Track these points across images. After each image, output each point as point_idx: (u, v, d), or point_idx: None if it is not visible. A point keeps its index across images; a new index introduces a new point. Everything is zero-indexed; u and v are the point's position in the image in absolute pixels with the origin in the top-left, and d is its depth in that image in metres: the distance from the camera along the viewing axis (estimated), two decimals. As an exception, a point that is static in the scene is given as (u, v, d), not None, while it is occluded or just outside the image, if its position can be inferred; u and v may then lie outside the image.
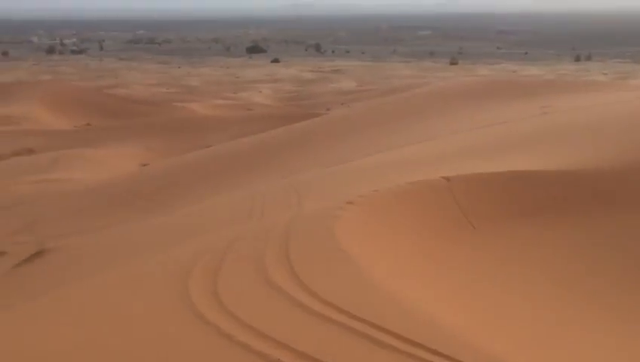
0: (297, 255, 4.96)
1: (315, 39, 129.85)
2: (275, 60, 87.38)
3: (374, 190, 6.36)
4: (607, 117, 10.37)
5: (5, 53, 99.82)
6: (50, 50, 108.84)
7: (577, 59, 78.51)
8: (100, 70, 72.16)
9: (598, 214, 6.30)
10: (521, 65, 74.86)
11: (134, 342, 3.97)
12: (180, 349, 3.84)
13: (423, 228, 5.92)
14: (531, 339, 4.30)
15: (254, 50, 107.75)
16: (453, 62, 78.07)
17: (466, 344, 3.70)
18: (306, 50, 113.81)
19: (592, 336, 4.55)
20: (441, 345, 3.62)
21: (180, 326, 4.06)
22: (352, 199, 6.09)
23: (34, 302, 5.28)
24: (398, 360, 3.54)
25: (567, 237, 5.98)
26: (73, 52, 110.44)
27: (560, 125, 10.31)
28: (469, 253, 5.64)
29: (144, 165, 19.54)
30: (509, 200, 6.51)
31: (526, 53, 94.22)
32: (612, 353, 4.40)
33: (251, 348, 3.72)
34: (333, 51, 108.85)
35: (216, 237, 5.99)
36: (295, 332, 3.82)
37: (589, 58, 79.76)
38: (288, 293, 4.34)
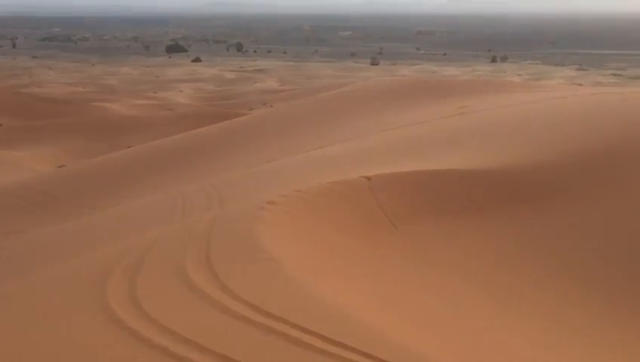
0: (218, 256, 4.92)
1: (237, 38, 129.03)
2: (197, 60, 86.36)
3: (296, 190, 6.36)
4: (523, 116, 10.70)
5: None
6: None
7: (493, 60, 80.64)
8: (12, 68, 69.71)
9: (518, 212, 6.49)
10: (441, 65, 76.36)
11: (47, 350, 3.85)
12: (96, 355, 3.74)
13: (344, 228, 5.95)
14: (455, 338, 4.38)
15: (174, 49, 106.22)
16: (375, 63, 78.95)
17: (390, 343, 3.74)
18: (228, 49, 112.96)
19: (504, 332, 4.68)
20: (365, 346, 3.64)
21: (97, 332, 3.96)
22: (273, 199, 6.07)
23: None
24: (320, 360, 3.55)
25: (487, 236, 6.13)
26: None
27: (478, 124, 10.56)
28: (389, 253, 5.71)
29: (61, 167, 19.00)
30: (430, 199, 6.62)
31: (444, 54, 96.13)
32: (525, 346, 4.54)
33: (170, 352, 3.66)
34: (255, 51, 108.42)
35: (135, 240, 5.88)
36: (216, 335, 3.78)
37: (504, 59, 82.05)
38: (209, 295, 4.29)
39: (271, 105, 33.80)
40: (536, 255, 5.90)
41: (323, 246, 5.56)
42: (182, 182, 11.36)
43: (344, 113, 16.10)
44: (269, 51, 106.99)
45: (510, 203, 6.66)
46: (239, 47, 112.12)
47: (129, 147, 19.85)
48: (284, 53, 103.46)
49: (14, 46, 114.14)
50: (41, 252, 7.92)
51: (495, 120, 10.70)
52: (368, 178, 6.70)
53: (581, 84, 42.21)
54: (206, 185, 8.94)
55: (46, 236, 9.35)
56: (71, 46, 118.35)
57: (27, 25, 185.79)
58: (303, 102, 22.63)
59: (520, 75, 60.21)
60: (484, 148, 8.28)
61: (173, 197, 8.49)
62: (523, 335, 4.67)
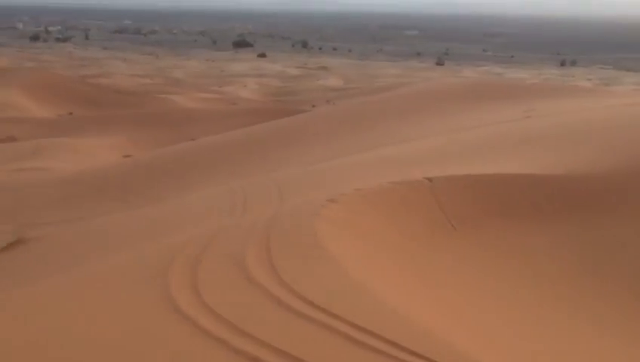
0: (278, 251, 4.95)
1: (302, 35, 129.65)
2: (262, 55, 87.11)
3: (357, 189, 6.36)
4: (590, 122, 10.45)
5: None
6: (35, 38, 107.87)
7: (562, 63, 78.99)
8: (84, 59, 71.58)
9: (579, 218, 6.35)
10: (507, 68, 75.19)
11: (111, 336, 3.94)
12: (158, 344, 3.82)
13: (404, 229, 5.92)
14: (509, 340, 4.32)
15: (241, 44, 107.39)
16: (439, 63, 78.28)
17: (445, 345, 3.71)
18: (293, 46, 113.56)
19: (568, 338, 4.59)
20: (419, 345, 3.63)
21: (158, 321, 4.04)
22: (334, 197, 6.08)
23: (3, 295, 5.23)
24: (375, 360, 3.54)
25: (547, 240, 6.02)
26: (58, 40, 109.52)
27: (543, 129, 10.37)
28: (449, 256, 5.66)
29: (126, 156, 19.42)
30: (491, 202, 6.53)
31: (512, 56, 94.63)
32: (586, 351, 4.44)
33: (229, 345, 3.71)
34: (320, 48, 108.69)
35: (197, 232, 5.97)
36: (274, 330, 3.81)
37: (573, 63, 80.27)
38: (268, 290, 4.33)
39: (333, 103, 33.85)
40: (598, 265, 5.76)
41: (382, 246, 5.54)
42: (243, 176, 11.48)
43: (407, 113, 16.01)
44: (334, 49, 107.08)
45: (573, 209, 6.52)
46: (304, 44, 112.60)
47: (192, 139, 20.16)
48: (349, 51, 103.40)
49: (87, 37, 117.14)
50: (105, 240, 8.11)
51: (562, 125, 10.49)
52: (430, 179, 6.65)
53: (653, 91, 40.95)
54: (267, 180, 9.01)
55: (109, 224, 9.58)
56: (140, 39, 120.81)
57: (100, 17, 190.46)
58: (366, 100, 22.59)
59: (590, 79, 58.80)
60: (549, 153, 8.12)
61: (234, 191, 8.58)
62: (583, 341, 4.58)
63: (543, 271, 5.57)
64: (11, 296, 5.04)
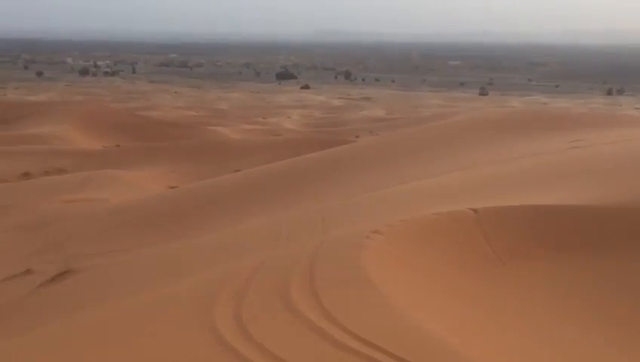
0: (322, 282, 4.94)
1: (345, 66, 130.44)
2: (305, 86, 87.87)
3: (401, 220, 6.32)
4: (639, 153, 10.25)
5: (40, 74, 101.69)
6: (84, 72, 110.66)
7: (609, 92, 77.94)
8: (131, 92, 73.11)
9: (631, 253, 6.20)
10: (552, 97, 74.51)
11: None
12: (203, 375, 3.82)
13: (449, 261, 5.86)
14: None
15: (284, 75, 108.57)
16: (483, 93, 77.96)
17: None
18: (336, 77, 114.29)
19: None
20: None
21: (203, 353, 4.05)
22: (378, 228, 6.05)
23: (53, 325, 5.30)
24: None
25: (599, 277, 5.87)
26: (106, 74, 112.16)
27: (591, 159, 10.21)
28: (495, 289, 5.56)
29: (172, 188, 19.66)
30: (539, 235, 6.42)
31: (557, 85, 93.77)
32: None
33: (274, 377, 3.70)
34: (363, 79, 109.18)
35: (241, 263, 5.99)
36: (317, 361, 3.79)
37: (620, 92, 79.17)
38: (312, 321, 4.31)
39: (377, 133, 33.88)
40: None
41: (427, 278, 5.49)
42: (287, 207, 11.53)
43: (451, 144, 15.93)
44: (377, 79, 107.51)
45: (625, 242, 6.36)
46: (347, 75, 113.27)
47: (237, 171, 20.34)
48: (392, 81, 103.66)
49: (134, 71, 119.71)
50: (151, 271, 8.19)
51: (610, 155, 10.31)
52: (475, 210, 6.57)
53: None
54: (311, 211, 9.02)
55: (156, 255, 9.68)
56: (186, 71, 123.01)
57: (147, 50, 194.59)
58: (409, 131, 22.55)
59: (638, 108, 57.88)
60: (597, 183, 7.98)
61: (278, 222, 8.61)
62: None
63: (598, 306, 5.43)
64: (54, 329, 5.11)
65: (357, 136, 32.92)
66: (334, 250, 5.73)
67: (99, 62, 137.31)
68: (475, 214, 6.51)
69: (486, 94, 76.77)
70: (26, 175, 22.84)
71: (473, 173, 10.99)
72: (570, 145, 12.32)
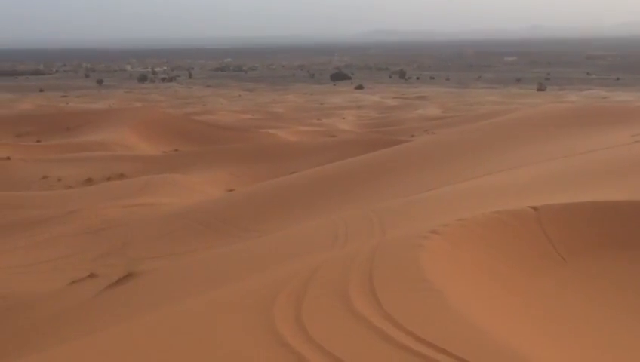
0: (381, 284, 4.93)
1: (399, 65, 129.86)
2: (359, 87, 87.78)
3: (459, 219, 6.26)
4: None
5: (100, 82, 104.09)
6: (142, 78, 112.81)
7: (672, 84, 75.70)
8: (188, 97, 74.23)
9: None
10: (612, 91, 72.80)
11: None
12: (264, 376, 3.86)
13: (509, 260, 5.78)
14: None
15: (338, 76, 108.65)
16: (541, 89, 76.63)
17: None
18: (390, 76, 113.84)
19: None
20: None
21: (265, 354, 4.09)
22: (436, 228, 6.01)
23: (117, 327, 5.42)
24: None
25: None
26: (164, 80, 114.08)
27: (654, 154, 9.94)
28: (557, 288, 5.46)
29: (230, 191, 19.89)
30: (600, 232, 6.28)
31: (617, 78, 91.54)
32: None
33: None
34: (417, 78, 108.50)
35: (300, 265, 6.03)
36: (378, 363, 3.79)
37: (684, 83, 76.84)
38: (371, 322, 4.31)
39: (433, 132, 33.62)
40: None
41: (487, 278, 5.42)
42: (344, 208, 11.54)
43: (508, 141, 15.71)
44: (432, 78, 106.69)
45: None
46: (402, 74, 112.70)
47: (293, 172, 20.45)
48: (447, 79, 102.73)
49: (190, 76, 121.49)
50: (211, 273, 8.30)
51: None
52: (535, 208, 6.46)
53: None
54: (368, 211, 9.00)
55: (215, 257, 9.80)
56: (241, 75, 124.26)
57: (202, 56, 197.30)
58: (466, 129, 22.32)
59: (702, 100, 56.06)
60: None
61: (335, 223, 8.62)
62: None
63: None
64: (121, 330, 5.22)
65: (412, 136, 32.73)
66: (392, 251, 5.72)
67: (156, 69, 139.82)
68: (535, 212, 6.41)
69: (544, 90, 75.45)
70: (89, 181, 23.42)
71: (532, 170, 10.82)
72: (632, 140, 12.02)
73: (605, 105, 30.50)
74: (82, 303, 9.04)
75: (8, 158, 26.31)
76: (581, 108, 21.03)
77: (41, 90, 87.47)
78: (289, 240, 9.14)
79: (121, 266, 10.84)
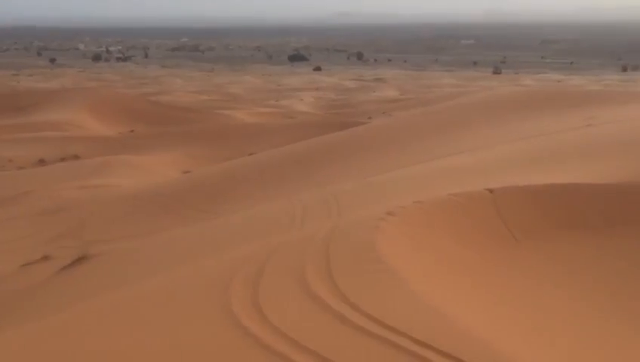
0: (337, 265, 4.94)
1: (357, 48, 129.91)
2: (317, 68, 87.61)
3: (416, 201, 6.30)
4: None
5: (53, 60, 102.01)
6: (97, 58, 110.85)
7: (624, 69, 77.19)
8: (143, 77, 73.20)
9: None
10: (566, 75, 73.92)
11: (171, 352, 3.98)
12: (218, 357, 3.84)
13: (465, 241, 5.84)
14: (571, 353, 4.21)
15: (296, 58, 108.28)
16: (497, 72, 77.47)
17: (506, 359, 3.64)
18: (348, 58, 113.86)
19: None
20: (479, 360, 3.56)
21: (220, 336, 4.06)
22: (392, 210, 6.03)
23: (71, 309, 5.34)
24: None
25: (614, 253, 5.83)
26: (118, 59, 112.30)
27: (606, 137, 10.12)
28: (511, 269, 5.54)
29: (186, 172, 19.72)
30: (554, 213, 6.38)
31: (571, 62, 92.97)
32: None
33: (291, 360, 3.70)
34: (375, 60, 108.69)
35: (257, 247, 6.00)
36: (336, 345, 3.79)
37: (635, 68, 78.39)
38: (329, 305, 4.31)
39: (390, 115, 33.76)
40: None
41: (442, 259, 5.47)
42: (302, 190, 11.53)
43: (465, 123, 15.84)
44: (390, 60, 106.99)
45: (635, 219, 6.30)
46: (359, 56, 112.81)
47: (250, 154, 20.35)
48: (405, 62, 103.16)
49: (146, 56, 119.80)
50: (166, 255, 8.23)
51: (625, 132, 10.22)
52: (491, 190, 6.53)
53: None
54: (325, 193, 9.01)
55: (171, 240, 9.72)
56: (198, 55, 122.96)
57: (158, 35, 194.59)
58: (423, 111, 22.45)
59: (653, 84, 57.28)
60: (612, 161, 7.92)
61: (293, 205, 8.61)
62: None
63: (614, 285, 5.39)
64: (71, 313, 5.14)
65: (370, 118, 32.81)
66: (349, 233, 5.73)
67: (111, 48, 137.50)
68: (490, 194, 6.48)
69: (499, 73, 76.30)
70: (42, 162, 22.99)
71: (488, 153, 10.93)
72: (585, 123, 12.22)
73: (560, 89, 30.94)
74: (34, 286, 8.88)
75: (-43, 138, 25.67)
76: (535, 92, 21.28)
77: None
78: (246, 221, 9.11)
79: (75, 249, 10.67)
